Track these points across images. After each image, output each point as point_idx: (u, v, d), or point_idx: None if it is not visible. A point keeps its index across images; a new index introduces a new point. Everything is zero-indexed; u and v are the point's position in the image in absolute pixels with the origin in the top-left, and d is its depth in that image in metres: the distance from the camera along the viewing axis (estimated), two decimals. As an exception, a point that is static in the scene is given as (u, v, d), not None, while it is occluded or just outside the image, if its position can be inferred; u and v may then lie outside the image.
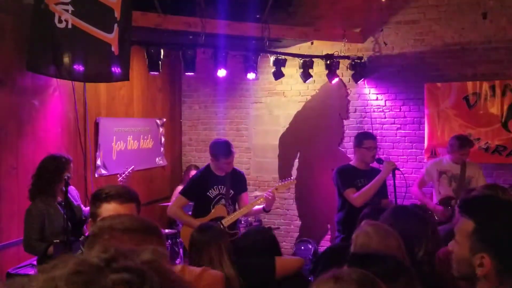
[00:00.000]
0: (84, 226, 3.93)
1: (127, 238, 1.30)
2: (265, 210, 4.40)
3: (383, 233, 2.12)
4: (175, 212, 4.34)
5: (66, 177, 3.70)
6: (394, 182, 4.41)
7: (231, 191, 4.37)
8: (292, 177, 4.53)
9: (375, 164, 4.60)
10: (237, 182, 4.44)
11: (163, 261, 0.67)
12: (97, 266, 0.60)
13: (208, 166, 4.43)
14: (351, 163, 4.64)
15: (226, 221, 4.23)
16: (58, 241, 3.46)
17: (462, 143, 4.90)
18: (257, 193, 5.81)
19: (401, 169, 4.65)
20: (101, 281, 0.58)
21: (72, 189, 3.99)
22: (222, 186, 4.33)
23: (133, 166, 4.87)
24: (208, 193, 4.28)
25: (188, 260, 2.89)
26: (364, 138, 4.55)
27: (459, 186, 4.85)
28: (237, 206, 4.49)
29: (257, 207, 4.40)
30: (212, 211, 4.27)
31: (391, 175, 4.38)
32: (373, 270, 1.45)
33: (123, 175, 4.58)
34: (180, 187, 6.40)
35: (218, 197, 4.32)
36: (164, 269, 0.65)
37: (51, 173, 3.71)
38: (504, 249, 1.51)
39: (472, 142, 5.09)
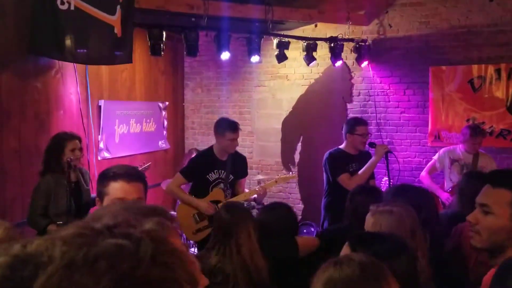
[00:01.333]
0: (90, 210, 3.94)
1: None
2: (255, 202, 4.46)
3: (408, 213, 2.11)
4: (173, 189, 4.30)
5: (68, 159, 3.70)
6: (388, 165, 4.43)
7: (231, 176, 4.33)
8: (293, 172, 4.52)
9: (367, 148, 4.60)
10: (238, 167, 4.40)
11: (165, 232, 0.68)
12: (98, 231, 0.63)
13: (210, 149, 4.37)
14: (341, 147, 4.58)
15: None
16: (61, 222, 3.47)
17: (473, 132, 4.92)
18: (260, 176, 5.82)
19: (394, 152, 4.68)
20: (98, 243, 0.61)
21: (85, 172, 4.01)
22: (223, 171, 4.29)
23: (150, 163, 4.90)
24: (207, 176, 4.24)
25: (212, 240, 2.72)
26: (356, 124, 4.48)
27: None
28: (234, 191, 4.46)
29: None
30: (210, 193, 4.24)
31: (384, 158, 4.41)
32: (374, 249, 1.45)
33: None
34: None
35: (217, 181, 4.28)
36: (163, 239, 0.66)
37: (52, 149, 3.76)
38: None
39: (484, 132, 5.08)
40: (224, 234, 2.64)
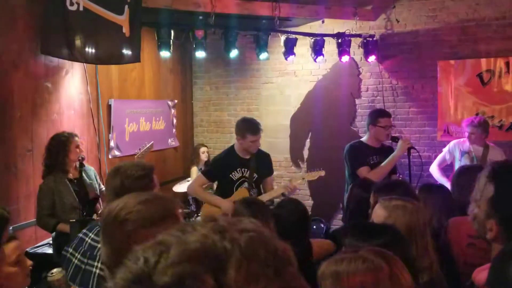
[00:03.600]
0: (97, 205, 4.01)
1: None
2: (283, 195, 4.26)
3: (410, 209, 2.12)
4: (195, 190, 4.24)
5: (79, 158, 3.77)
6: (410, 161, 4.37)
7: (255, 174, 4.21)
8: (321, 168, 4.41)
9: (388, 142, 4.55)
10: (262, 165, 4.29)
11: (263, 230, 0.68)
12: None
13: (232, 147, 4.29)
14: (363, 140, 4.54)
15: None
16: (74, 220, 3.54)
17: (467, 122, 5.00)
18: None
19: (416, 148, 4.60)
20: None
21: (88, 168, 4.07)
22: (246, 169, 4.18)
23: (152, 142, 4.92)
24: (231, 175, 4.15)
25: None
26: (380, 116, 4.42)
27: None
28: (262, 190, 4.33)
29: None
30: (235, 193, 4.12)
31: (406, 153, 4.35)
32: (374, 243, 1.49)
33: (141, 151, 4.66)
34: (194, 168, 6.47)
35: (241, 179, 4.18)
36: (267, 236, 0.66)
37: (53, 151, 3.81)
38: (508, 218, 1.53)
39: (476, 123, 4.99)
40: None
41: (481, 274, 1.48)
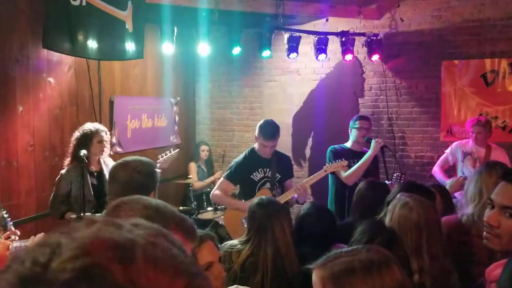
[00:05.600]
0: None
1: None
2: (297, 202, 4.18)
3: (424, 205, 2.15)
4: (219, 196, 4.16)
5: (81, 154, 3.76)
6: (384, 159, 4.56)
7: (277, 174, 4.14)
8: (342, 159, 4.39)
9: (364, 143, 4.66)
10: (283, 166, 4.24)
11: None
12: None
13: (252, 148, 4.23)
14: (346, 144, 4.72)
15: None
16: (74, 216, 3.53)
17: (472, 122, 4.98)
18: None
19: (389, 147, 4.79)
20: None
21: (110, 161, 4.09)
22: (267, 169, 4.12)
23: (177, 150, 4.93)
24: (252, 176, 4.08)
25: (248, 240, 2.66)
26: (358, 119, 4.67)
27: None
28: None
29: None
30: (257, 194, 4.00)
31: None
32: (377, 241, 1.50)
33: (165, 156, 4.66)
34: (192, 164, 6.46)
35: (263, 180, 4.11)
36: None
37: (77, 142, 3.87)
38: None
39: (483, 122, 4.97)
40: (258, 228, 2.63)
41: (496, 271, 1.46)
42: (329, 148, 4.67)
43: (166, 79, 6.54)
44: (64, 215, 3.78)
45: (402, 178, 4.38)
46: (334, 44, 6.01)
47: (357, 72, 6.38)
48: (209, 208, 5.56)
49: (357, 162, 4.47)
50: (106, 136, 3.98)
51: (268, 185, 4.11)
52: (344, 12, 5.99)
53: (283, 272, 2.52)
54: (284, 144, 6.82)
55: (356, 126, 4.60)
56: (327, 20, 6.26)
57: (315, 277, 1.22)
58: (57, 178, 3.90)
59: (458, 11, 5.80)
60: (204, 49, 5.44)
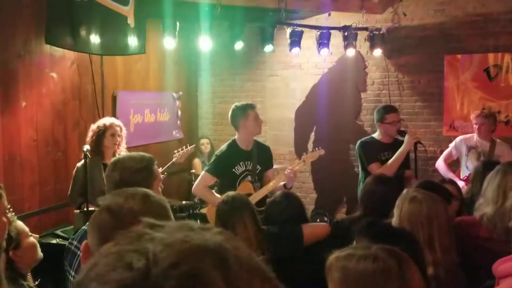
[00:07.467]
0: None
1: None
2: (285, 187, 4.11)
3: (432, 198, 2.18)
4: (201, 191, 4.13)
5: (84, 150, 3.77)
6: (416, 156, 4.37)
7: (258, 166, 4.10)
8: (319, 147, 4.36)
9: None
10: (264, 157, 4.20)
11: None
12: None
13: (233, 141, 4.14)
14: (374, 135, 4.54)
15: (253, 198, 3.86)
16: (78, 211, 3.55)
17: (476, 115, 4.94)
18: (275, 166, 5.80)
19: (423, 142, 4.58)
20: None
21: None
22: (249, 162, 4.06)
23: (194, 145, 5.04)
24: (234, 170, 4.01)
25: None
26: (386, 113, 4.40)
27: None
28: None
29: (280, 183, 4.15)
30: (238, 188, 3.95)
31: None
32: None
33: (179, 152, 4.77)
34: (197, 159, 6.47)
35: (244, 173, 4.05)
36: None
37: (92, 134, 4.00)
38: None
39: (486, 113, 4.96)
40: (222, 225, 2.71)
41: (504, 265, 1.46)
42: (359, 142, 4.50)
43: (168, 74, 6.54)
44: (81, 206, 3.86)
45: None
46: (336, 39, 6.00)
47: (360, 67, 6.37)
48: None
49: (389, 154, 4.33)
50: (119, 130, 4.06)
51: (249, 178, 4.07)
52: (347, 6, 5.97)
53: None
54: (287, 138, 6.84)
55: (385, 121, 4.37)
56: (329, 14, 6.23)
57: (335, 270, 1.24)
58: (73, 171, 4.03)
59: (461, 5, 5.77)
60: (206, 43, 5.44)
